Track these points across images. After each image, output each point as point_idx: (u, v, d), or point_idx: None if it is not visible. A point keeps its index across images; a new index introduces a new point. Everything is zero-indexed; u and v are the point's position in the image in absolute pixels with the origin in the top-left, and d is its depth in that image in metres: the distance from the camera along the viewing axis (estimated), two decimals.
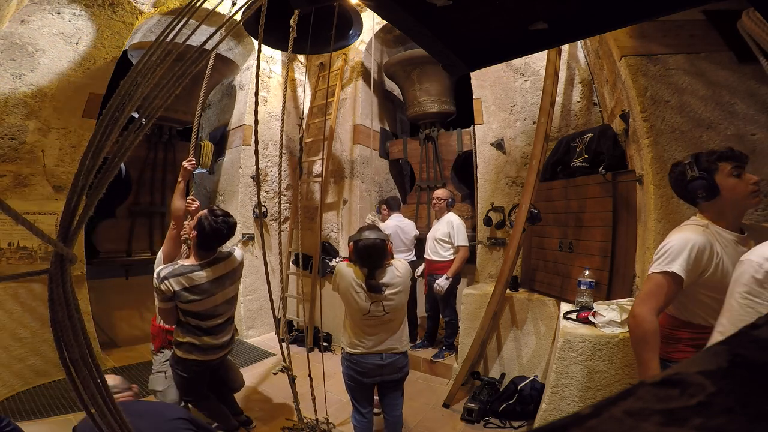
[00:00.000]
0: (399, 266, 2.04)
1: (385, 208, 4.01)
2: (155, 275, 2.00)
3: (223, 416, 2.42)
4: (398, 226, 3.83)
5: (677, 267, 1.34)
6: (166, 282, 1.96)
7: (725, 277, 1.27)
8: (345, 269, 2.03)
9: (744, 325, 0.53)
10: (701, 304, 1.39)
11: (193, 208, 2.35)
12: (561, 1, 1.16)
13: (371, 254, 1.94)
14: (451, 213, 3.56)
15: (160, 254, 2.33)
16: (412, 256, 3.85)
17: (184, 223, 2.31)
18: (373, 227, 2.09)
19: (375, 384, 2.13)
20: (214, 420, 2.41)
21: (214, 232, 2.03)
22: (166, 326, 2.29)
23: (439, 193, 3.61)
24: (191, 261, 2.08)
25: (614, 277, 2.51)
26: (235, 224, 2.14)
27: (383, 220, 3.97)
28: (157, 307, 2.08)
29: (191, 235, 2.10)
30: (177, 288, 1.97)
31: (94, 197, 0.57)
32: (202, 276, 2.04)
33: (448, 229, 3.43)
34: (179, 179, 2.35)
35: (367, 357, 2.01)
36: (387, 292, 1.95)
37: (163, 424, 1.44)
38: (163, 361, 2.32)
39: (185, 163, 2.38)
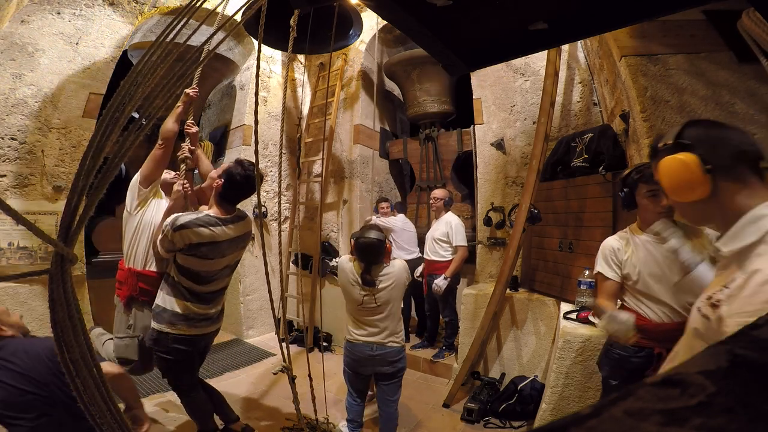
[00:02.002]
0: (395, 265, 2.17)
1: (385, 205, 4.05)
2: (169, 222, 1.75)
3: (207, 414, 2.17)
4: (409, 223, 4.04)
5: (598, 267, 1.72)
6: (183, 232, 1.74)
7: (634, 270, 1.61)
8: (346, 263, 2.20)
9: None
10: (626, 292, 1.69)
11: (194, 131, 2.22)
12: (561, 1, 1.16)
13: (369, 252, 2.10)
14: (449, 213, 3.57)
15: (136, 177, 2.03)
16: (418, 253, 3.92)
17: (182, 144, 2.15)
18: (375, 227, 2.21)
19: (369, 376, 2.26)
20: (194, 415, 2.15)
21: (247, 180, 1.86)
22: (138, 269, 1.97)
23: (437, 193, 3.62)
24: (215, 212, 1.89)
25: None
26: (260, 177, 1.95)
27: (385, 217, 4.01)
28: (155, 243, 1.87)
29: (188, 159, 2.06)
30: (195, 240, 1.77)
31: (94, 197, 0.57)
32: (225, 233, 1.85)
33: (447, 229, 3.43)
34: (178, 104, 2.11)
35: (359, 346, 2.17)
36: (380, 286, 2.09)
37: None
38: (129, 325, 1.99)
39: (188, 90, 2.14)
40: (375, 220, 3.85)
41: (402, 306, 2.58)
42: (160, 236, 1.83)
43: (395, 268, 2.15)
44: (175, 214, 1.82)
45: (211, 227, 1.81)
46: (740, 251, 0.76)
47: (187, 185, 2.03)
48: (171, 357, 1.90)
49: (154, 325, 1.89)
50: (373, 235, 2.10)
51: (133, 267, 1.99)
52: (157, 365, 2.02)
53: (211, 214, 1.86)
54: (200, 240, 1.79)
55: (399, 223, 3.93)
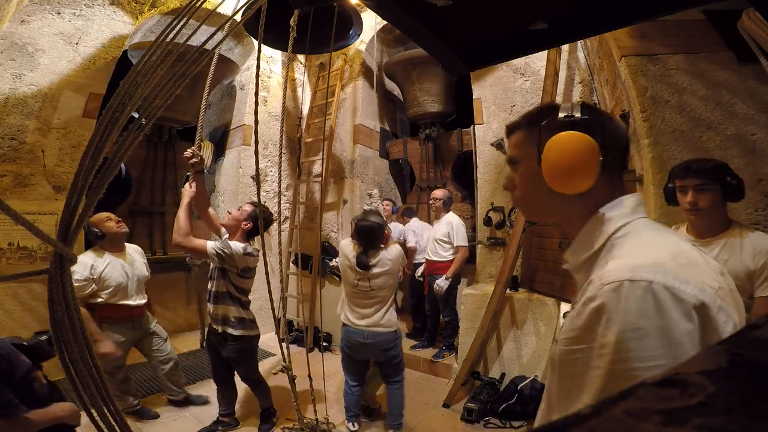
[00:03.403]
0: (391, 251, 2.24)
1: (386, 204, 4.05)
2: (241, 248, 2.19)
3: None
4: (426, 226, 4.06)
5: None
6: (249, 258, 2.24)
7: None
8: (346, 246, 2.28)
9: None
10: None
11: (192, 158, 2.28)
12: (561, 0, 1.16)
13: (367, 235, 2.18)
14: (450, 213, 3.57)
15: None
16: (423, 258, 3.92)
17: (191, 149, 2.24)
18: (375, 212, 2.31)
19: (364, 362, 2.35)
20: (265, 397, 2.53)
21: (266, 221, 2.30)
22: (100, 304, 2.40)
23: (437, 193, 3.61)
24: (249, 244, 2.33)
25: None
26: None
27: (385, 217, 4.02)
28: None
29: (195, 162, 2.22)
30: (252, 265, 2.30)
31: (94, 197, 0.57)
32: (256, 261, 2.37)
33: (448, 230, 3.43)
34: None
35: (352, 333, 2.24)
36: (374, 270, 2.16)
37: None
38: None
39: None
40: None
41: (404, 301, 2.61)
42: (216, 244, 2.16)
43: (392, 255, 2.21)
44: (242, 244, 2.23)
45: (255, 256, 2.31)
46: (584, 261, 0.66)
47: (195, 186, 2.27)
48: (254, 356, 2.44)
49: (242, 333, 2.28)
50: (373, 218, 2.19)
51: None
52: (245, 371, 2.44)
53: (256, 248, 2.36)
54: (252, 265, 2.32)
55: (417, 225, 3.99)
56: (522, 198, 0.75)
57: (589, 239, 0.65)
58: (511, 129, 0.76)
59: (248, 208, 2.35)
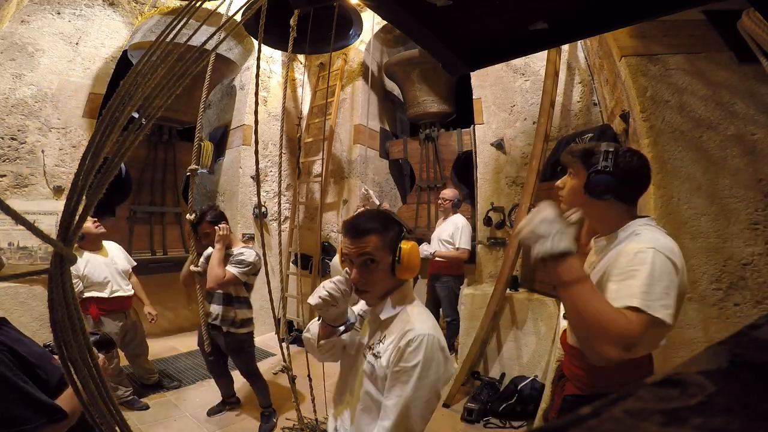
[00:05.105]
0: None
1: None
2: (255, 256, 2.42)
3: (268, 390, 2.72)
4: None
5: None
6: (260, 260, 2.45)
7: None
8: (338, 264, 2.19)
9: None
10: None
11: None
12: (561, 0, 1.16)
13: None
14: (458, 214, 3.52)
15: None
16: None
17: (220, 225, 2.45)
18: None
19: None
20: (262, 392, 2.64)
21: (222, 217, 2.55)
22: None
23: (446, 193, 3.54)
24: (246, 244, 2.55)
25: None
26: None
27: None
28: (223, 276, 2.33)
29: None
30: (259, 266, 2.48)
31: (94, 197, 0.57)
32: None
33: (453, 230, 3.40)
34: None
35: None
36: None
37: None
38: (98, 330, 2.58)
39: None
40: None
41: None
42: (241, 269, 2.36)
43: None
44: (251, 250, 2.45)
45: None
46: (395, 314, 1.06)
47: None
48: (252, 349, 2.61)
49: (243, 330, 2.47)
50: None
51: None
52: (245, 363, 2.58)
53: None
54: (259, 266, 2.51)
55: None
56: (375, 289, 1.08)
57: (397, 300, 1.08)
58: (365, 232, 1.05)
59: (208, 229, 2.42)
